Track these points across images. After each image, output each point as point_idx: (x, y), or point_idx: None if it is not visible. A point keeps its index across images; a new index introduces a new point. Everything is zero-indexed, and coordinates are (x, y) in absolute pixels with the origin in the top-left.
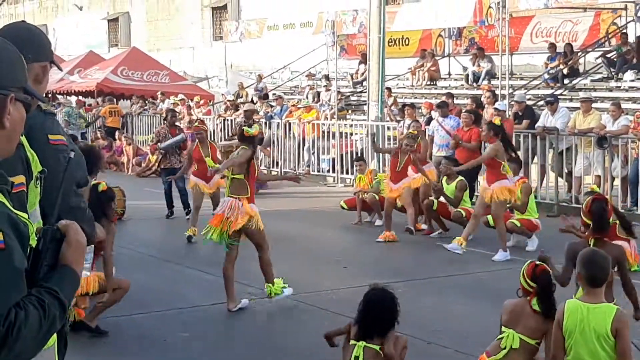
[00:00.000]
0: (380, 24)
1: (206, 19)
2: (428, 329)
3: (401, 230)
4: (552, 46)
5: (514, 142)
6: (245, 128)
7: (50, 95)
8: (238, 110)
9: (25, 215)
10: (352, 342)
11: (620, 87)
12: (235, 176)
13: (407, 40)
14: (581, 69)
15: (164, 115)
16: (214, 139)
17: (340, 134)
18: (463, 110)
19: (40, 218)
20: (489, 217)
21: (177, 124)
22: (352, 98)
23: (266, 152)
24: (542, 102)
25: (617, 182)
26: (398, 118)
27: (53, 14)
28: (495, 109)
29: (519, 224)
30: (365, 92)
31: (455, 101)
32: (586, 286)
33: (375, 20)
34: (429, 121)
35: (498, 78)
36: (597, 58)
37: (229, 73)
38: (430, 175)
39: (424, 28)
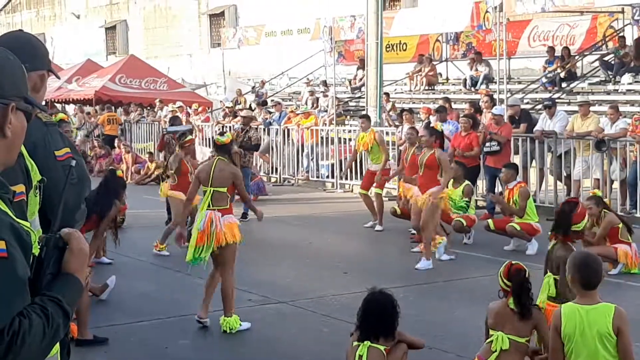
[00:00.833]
0: (378, 29)
1: (204, 26)
2: (429, 334)
3: (401, 235)
4: (551, 50)
5: (512, 146)
6: (217, 137)
7: (48, 104)
8: (237, 117)
9: (28, 224)
10: (355, 343)
11: (618, 90)
12: (217, 189)
13: (404, 46)
14: (579, 73)
15: (168, 122)
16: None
17: (339, 139)
18: (461, 115)
19: (39, 227)
20: (490, 221)
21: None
22: (350, 104)
23: (265, 158)
24: (540, 106)
25: (616, 185)
26: (397, 123)
27: (51, 22)
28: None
29: (518, 228)
30: (364, 97)
31: (453, 106)
32: (580, 290)
33: (373, 26)
34: (427, 126)
35: (496, 82)
36: (594, 61)
37: (227, 80)
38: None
39: (422, 33)
